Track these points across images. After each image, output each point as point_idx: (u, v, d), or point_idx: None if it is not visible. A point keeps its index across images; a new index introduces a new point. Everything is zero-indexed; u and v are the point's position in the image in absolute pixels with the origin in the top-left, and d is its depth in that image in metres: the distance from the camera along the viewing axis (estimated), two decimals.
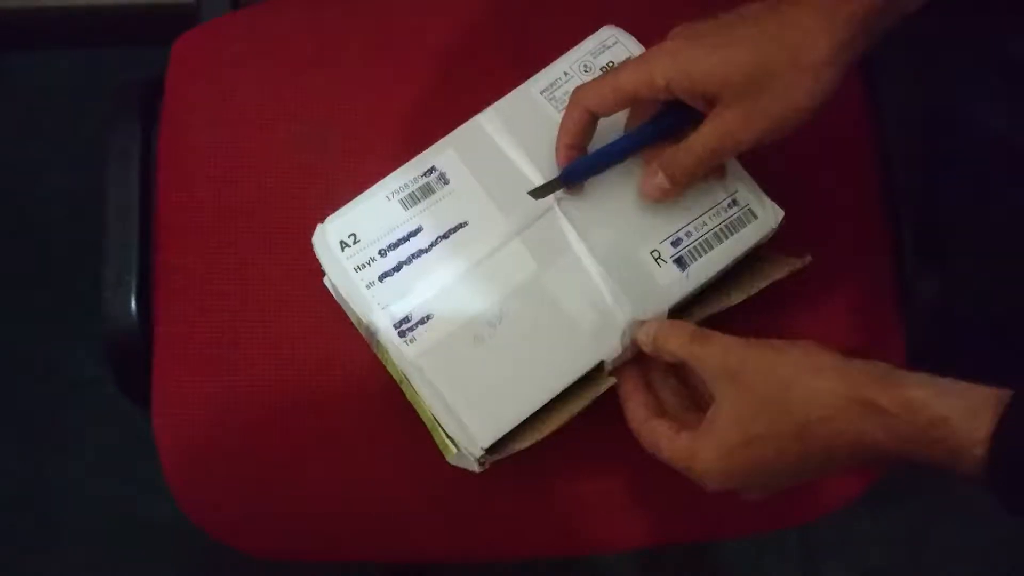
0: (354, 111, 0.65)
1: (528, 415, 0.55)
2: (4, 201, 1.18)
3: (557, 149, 0.56)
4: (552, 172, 0.57)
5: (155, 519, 1.07)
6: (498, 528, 0.64)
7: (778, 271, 0.58)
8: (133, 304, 0.63)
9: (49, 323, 1.15)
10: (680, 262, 0.56)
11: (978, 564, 1.11)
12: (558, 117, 0.57)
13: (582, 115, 0.54)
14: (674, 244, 0.56)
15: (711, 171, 0.55)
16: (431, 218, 0.57)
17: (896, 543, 1.12)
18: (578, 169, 0.56)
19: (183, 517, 0.63)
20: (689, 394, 0.56)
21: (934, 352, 0.65)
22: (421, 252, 0.56)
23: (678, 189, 0.55)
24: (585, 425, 0.62)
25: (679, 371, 0.57)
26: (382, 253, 0.56)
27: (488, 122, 0.58)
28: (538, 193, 0.56)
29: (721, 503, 0.64)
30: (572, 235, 0.56)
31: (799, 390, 0.47)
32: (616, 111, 0.54)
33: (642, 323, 0.55)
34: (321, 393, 0.61)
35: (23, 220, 1.18)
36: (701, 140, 0.52)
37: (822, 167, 0.66)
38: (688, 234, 0.57)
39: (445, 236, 0.57)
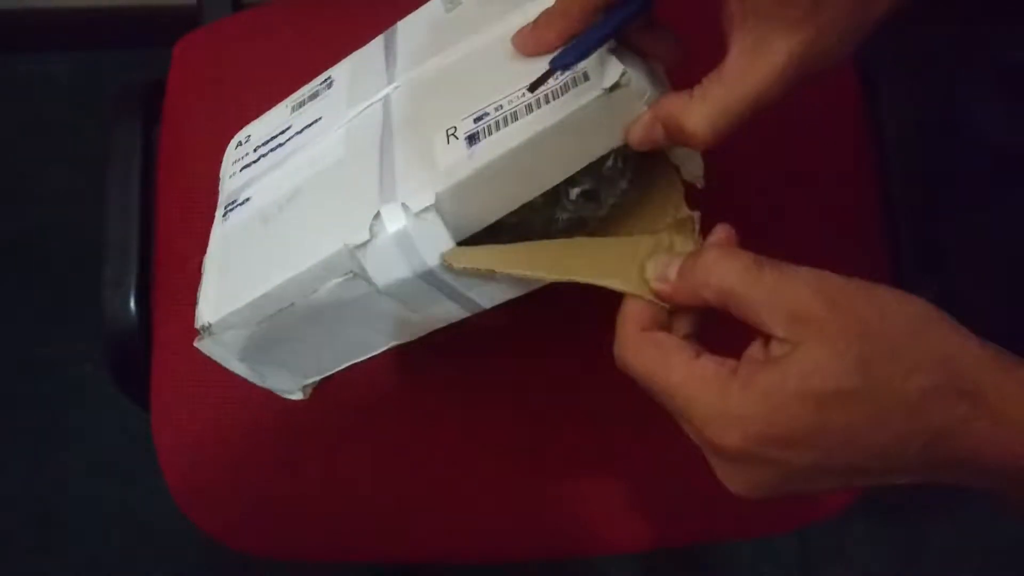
0: None
1: (256, 297, 0.47)
2: (5, 201, 1.18)
3: (544, 31, 0.44)
4: (402, 68, 0.51)
5: (155, 519, 1.08)
6: (497, 530, 0.64)
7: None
8: (133, 304, 0.63)
9: (49, 323, 1.15)
10: (472, 139, 0.43)
11: (977, 569, 1.11)
12: (443, 18, 0.51)
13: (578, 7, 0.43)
14: (477, 119, 0.44)
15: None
16: (300, 118, 0.54)
17: (894, 548, 1.12)
18: (571, 53, 0.43)
19: (182, 517, 0.63)
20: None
21: None
22: (279, 146, 0.54)
23: (715, 137, 0.41)
24: (584, 426, 0.62)
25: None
26: (256, 150, 0.55)
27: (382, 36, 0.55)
28: (534, 87, 0.43)
29: (720, 505, 0.64)
30: (380, 120, 0.48)
31: (932, 342, 0.35)
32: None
33: (657, 259, 0.41)
34: (319, 393, 0.61)
35: (23, 220, 1.18)
36: (745, 69, 0.39)
37: (819, 172, 0.66)
38: (499, 107, 0.44)
39: (300, 132, 0.53)
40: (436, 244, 0.44)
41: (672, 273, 0.40)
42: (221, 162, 0.64)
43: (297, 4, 0.70)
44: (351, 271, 0.45)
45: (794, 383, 0.35)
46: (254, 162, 0.55)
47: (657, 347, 0.39)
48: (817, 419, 0.35)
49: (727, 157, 0.58)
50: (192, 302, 0.63)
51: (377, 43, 0.56)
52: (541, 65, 0.43)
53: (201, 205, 0.65)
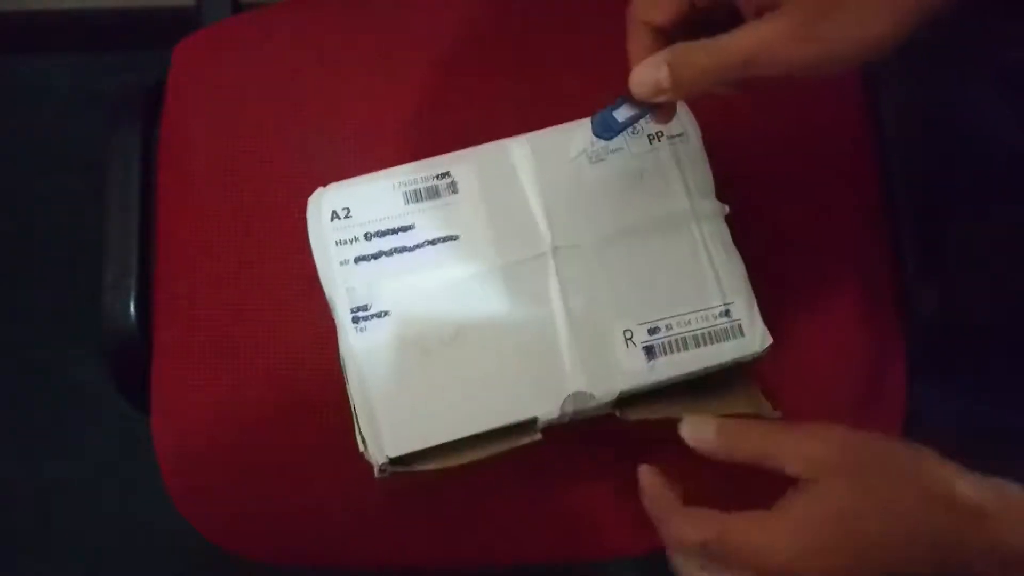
0: (356, 115, 0.65)
1: (443, 442, 0.54)
2: (5, 202, 1.18)
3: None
4: (559, 218, 0.56)
5: (154, 521, 1.07)
6: (497, 533, 0.64)
7: (740, 406, 0.55)
8: (132, 308, 0.63)
9: (49, 323, 1.15)
10: (649, 351, 0.54)
11: None
12: (588, 170, 0.56)
13: (644, 34, 0.47)
14: (650, 331, 0.55)
15: (721, 84, 0.46)
16: (426, 220, 0.56)
17: None
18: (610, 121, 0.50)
19: (182, 519, 0.63)
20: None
21: (935, 361, 0.65)
22: (404, 249, 0.56)
23: (678, 93, 0.46)
24: (586, 429, 0.62)
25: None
26: (367, 236, 0.56)
27: (517, 150, 0.57)
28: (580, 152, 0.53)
29: (721, 509, 0.64)
30: (555, 290, 0.55)
31: (923, 466, 0.45)
32: (676, 19, 0.47)
33: (695, 421, 0.51)
34: (320, 397, 0.61)
35: (23, 221, 1.18)
36: (735, 42, 0.44)
37: (822, 174, 0.66)
38: (668, 326, 0.55)
39: (433, 243, 0.56)
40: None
41: (710, 432, 0.50)
42: (219, 162, 0.64)
43: (296, 6, 0.70)
44: (527, 424, 0.54)
45: (817, 508, 0.45)
46: (373, 257, 0.56)
47: (697, 515, 0.49)
48: (840, 530, 0.45)
49: (728, 158, 0.58)
50: (192, 306, 0.63)
51: (500, 154, 0.58)
52: (707, 286, 0.56)
53: (201, 208, 0.65)
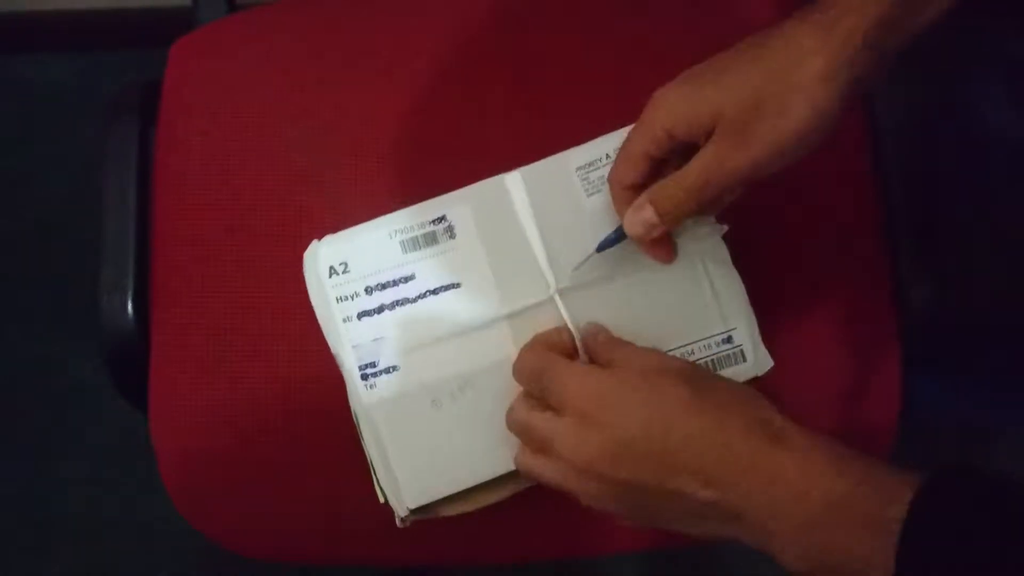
0: (352, 114, 0.65)
1: (460, 490, 0.55)
2: (4, 202, 1.18)
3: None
4: (560, 257, 0.56)
5: (154, 520, 1.08)
6: (497, 530, 0.64)
7: None
8: (130, 307, 0.63)
9: (49, 323, 1.15)
10: None
11: None
12: (585, 202, 0.56)
13: (625, 194, 0.53)
14: None
15: (705, 206, 0.52)
16: (426, 269, 0.56)
17: None
18: (611, 239, 0.55)
19: (181, 518, 0.63)
20: None
21: (932, 357, 0.65)
22: (406, 301, 0.56)
23: (667, 224, 0.52)
24: None
25: None
26: (368, 291, 0.56)
27: (513, 186, 0.57)
28: (580, 266, 0.55)
29: None
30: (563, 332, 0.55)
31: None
32: (645, 178, 0.53)
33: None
34: (318, 395, 0.61)
35: (23, 221, 1.18)
36: (691, 167, 0.50)
37: (818, 169, 0.65)
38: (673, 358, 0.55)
39: (435, 292, 0.56)
40: None
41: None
42: (216, 161, 0.64)
43: (291, 6, 0.70)
44: None
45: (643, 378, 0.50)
46: (376, 311, 0.56)
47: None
48: (610, 435, 0.48)
49: None
50: (189, 305, 0.63)
51: (495, 191, 0.57)
52: (709, 313, 0.56)
53: (198, 207, 0.64)
